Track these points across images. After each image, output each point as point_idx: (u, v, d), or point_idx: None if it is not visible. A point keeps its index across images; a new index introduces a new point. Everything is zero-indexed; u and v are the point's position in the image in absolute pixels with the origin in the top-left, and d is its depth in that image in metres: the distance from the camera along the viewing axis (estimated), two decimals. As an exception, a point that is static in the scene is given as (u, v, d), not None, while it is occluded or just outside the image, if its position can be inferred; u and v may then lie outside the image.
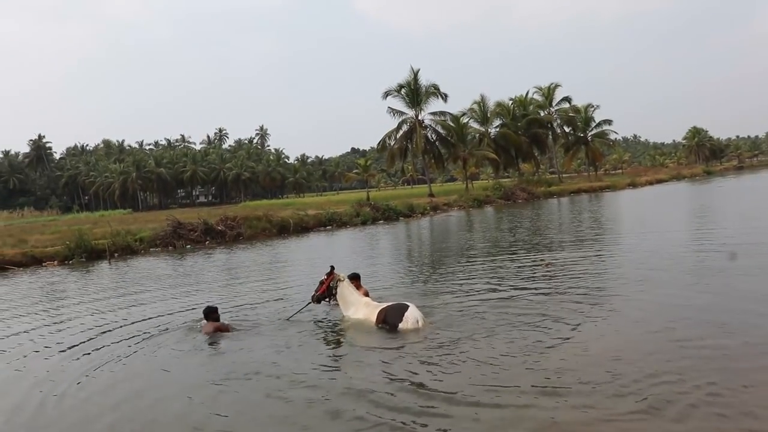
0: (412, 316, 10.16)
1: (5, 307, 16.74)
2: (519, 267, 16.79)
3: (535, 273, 15.52)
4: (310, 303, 11.86)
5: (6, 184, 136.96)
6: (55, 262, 28.52)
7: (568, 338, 9.06)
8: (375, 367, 8.48)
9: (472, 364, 8.12)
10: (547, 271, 15.59)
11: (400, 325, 10.14)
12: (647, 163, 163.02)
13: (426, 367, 8.19)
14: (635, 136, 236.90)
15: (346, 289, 11.38)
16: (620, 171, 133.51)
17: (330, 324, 11.43)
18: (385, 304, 10.84)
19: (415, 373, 7.97)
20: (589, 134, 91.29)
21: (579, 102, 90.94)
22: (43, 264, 28.28)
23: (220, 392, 8.01)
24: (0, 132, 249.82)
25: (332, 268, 11.70)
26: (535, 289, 13.20)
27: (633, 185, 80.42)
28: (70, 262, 28.71)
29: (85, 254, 29.43)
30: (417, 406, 6.87)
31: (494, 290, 13.44)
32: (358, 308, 11.12)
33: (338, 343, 10.41)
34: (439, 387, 7.38)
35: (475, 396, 7.00)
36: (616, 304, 11.21)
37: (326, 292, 11.55)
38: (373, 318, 10.65)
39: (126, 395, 8.23)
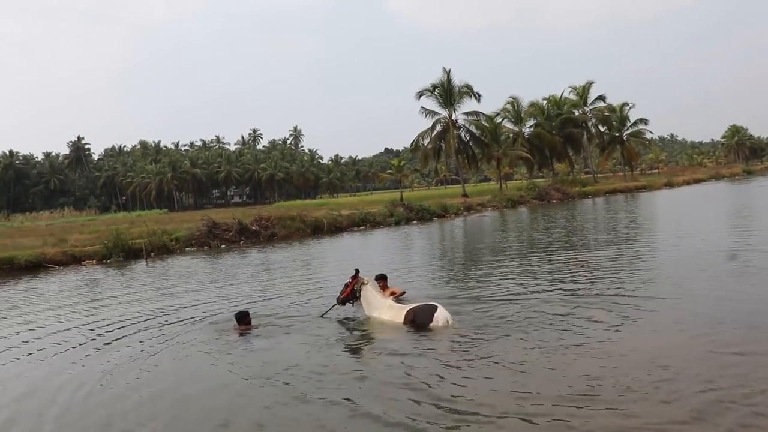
0: (441, 316, 10.19)
1: (44, 302, 17.14)
2: (554, 267, 16.65)
3: (570, 273, 15.38)
4: (335, 305, 11.98)
5: (47, 184, 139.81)
6: (94, 261, 29.03)
7: (603, 340, 8.89)
8: (398, 371, 8.28)
9: (502, 369, 7.95)
10: (583, 272, 15.42)
11: (431, 325, 10.18)
12: (684, 162, 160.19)
13: (452, 371, 8.03)
14: (672, 135, 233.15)
15: (369, 292, 11.49)
16: (657, 171, 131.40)
17: (356, 325, 11.46)
18: (411, 305, 10.89)
19: (442, 378, 7.80)
20: (625, 133, 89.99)
21: (614, 101, 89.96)
22: (83, 263, 28.79)
23: (239, 393, 8.10)
24: (42, 134, 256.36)
25: (357, 271, 11.88)
26: (570, 289, 13.05)
27: (670, 185, 79.09)
28: (108, 261, 29.19)
29: (122, 253, 29.90)
30: (440, 415, 6.61)
31: (528, 290, 13.34)
32: (382, 310, 11.20)
33: (363, 345, 10.36)
34: (465, 394, 7.17)
35: (503, 405, 6.74)
36: (653, 305, 11.02)
37: (350, 294, 11.71)
38: (399, 319, 10.67)
39: (150, 391, 8.37)
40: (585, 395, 6.86)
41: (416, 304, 10.90)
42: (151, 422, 7.31)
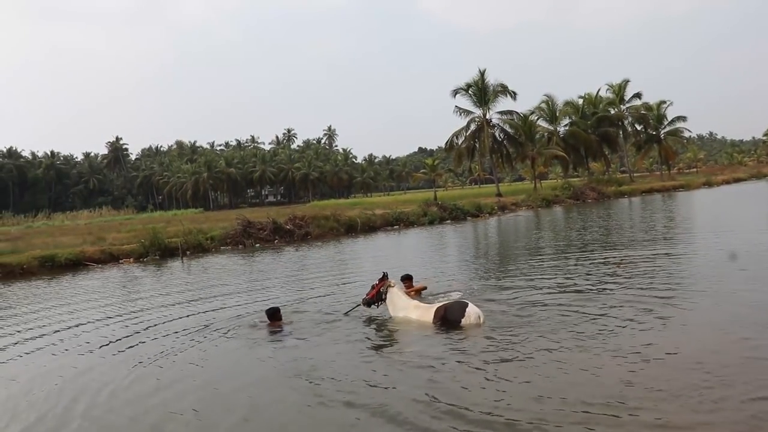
0: (473, 312, 10.18)
1: (85, 297, 17.48)
2: (589, 267, 16.41)
3: (605, 273, 15.14)
4: (359, 305, 12.06)
5: (87, 184, 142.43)
6: (131, 260, 29.46)
7: (639, 342, 8.71)
8: (424, 374, 8.11)
9: (534, 373, 7.74)
10: (620, 272, 15.21)
11: (463, 321, 10.14)
12: (724, 161, 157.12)
13: (478, 376, 7.78)
14: (711, 134, 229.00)
15: (395, 294, 11.53)
16: (695, 170, 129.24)
17: (382, 325, 11.41)
18: (440, 303, 10.91)
19: (465, 388, 7.48)
20: (662, 132, 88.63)
21: (651, 99, 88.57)
22: (120, 261, 29.24)
23: (261, 389, 8.23)
24: (82, 135, 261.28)
25: (384, 274, 11.94)
26: (606, 288, 12.88)
27: (708, 184, 77.56)
28: (145, 259, 29.63)
29: (159, 252, 30.32)
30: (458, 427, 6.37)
31: (563, 289, 13.19)
32: (409, 311, 11.21)
33: (389, 346, 10.27)
34: (494, 403, 6.84)
35: (535, 413, 6.46)
36: (691, 305, 10.79)
37: (376, 296, 11.77)
38: (428, 318, 10.63)
39: (154, 389, 8.50)
40: (619, 402, 6.62)
41: (445, 302, 10.93)
42: (166, 415, 7.51)
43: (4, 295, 20.53)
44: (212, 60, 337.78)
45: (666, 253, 17.88)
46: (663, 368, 7.61)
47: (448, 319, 10.32)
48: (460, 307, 10.35)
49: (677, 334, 9.09)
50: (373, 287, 11.91)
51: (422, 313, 10.89)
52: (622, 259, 16.84)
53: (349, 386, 7.89)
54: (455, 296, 12.58)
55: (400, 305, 11.37)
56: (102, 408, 7.88)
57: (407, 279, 13.37)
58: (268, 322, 11.64)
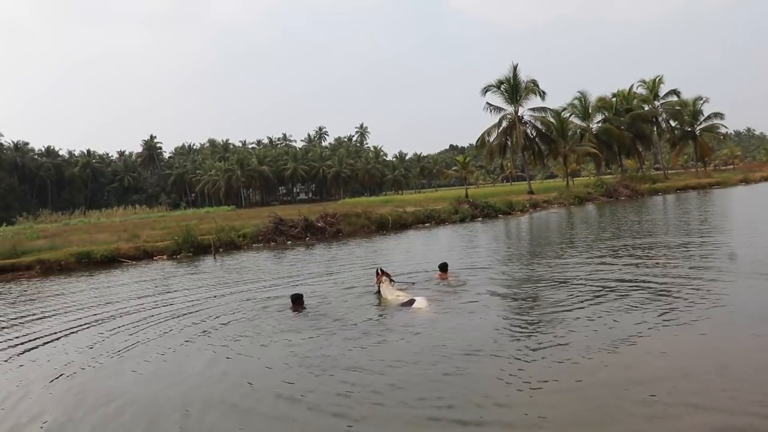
0: (421, 304, 12.13)
1: (120, 291, 17.80)
2: (622, 263, 16.24)
3: (639, 269, 14.95)
4: (377, 292, 13.98)
5: (121, 182, 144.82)
6: (165, 256, 29.90)
7: (663, 337, 8.68)
8: (433, 368, 8.27)
9: (561, 370, 7.72)
10: (652, 267, 14.97)
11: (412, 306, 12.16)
12: (762, 158, 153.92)
13: (501, 380, 7.77)
14: (749, 130, 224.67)
15: (385, 288, 13.62)
16: (732, 166, 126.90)
17: (393, 314, 12.09)
18: (409, 297, 12.76)
19: (486, 396, 7.58)
20: (698, 128, 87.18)
21: (687, 94, 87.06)
22: (154, 258, 29.72)
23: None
24: (116, 134, 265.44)
25: (378, 270, 14.28)
26: (638, 284, 12.71)
27: (746, 181, 75.87)
28: (178, 256, 30.01)
29: (192, 249, 30.68)
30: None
31: (597, 286, 13.03)
32: (394, 299, 13.04)
33: (402, 336, 10.34)
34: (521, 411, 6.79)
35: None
36: (722, 302, 10.63)
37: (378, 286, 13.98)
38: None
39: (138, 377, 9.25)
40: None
41: (409, 297, 12.68)
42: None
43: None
44: (245, 60, 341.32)
45: (698, 250, 17.57)
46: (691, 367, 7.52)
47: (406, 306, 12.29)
48: (410, 302, 12.35)
49: (710, 332, 8.99)
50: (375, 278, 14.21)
51: (401, 300, 12.84)
52: (658, 261, 16.55)
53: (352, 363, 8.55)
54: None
55: (390, 298, 13.24)
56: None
57: (443, 268, 15.78)
58: (292, 306, 13.18)
